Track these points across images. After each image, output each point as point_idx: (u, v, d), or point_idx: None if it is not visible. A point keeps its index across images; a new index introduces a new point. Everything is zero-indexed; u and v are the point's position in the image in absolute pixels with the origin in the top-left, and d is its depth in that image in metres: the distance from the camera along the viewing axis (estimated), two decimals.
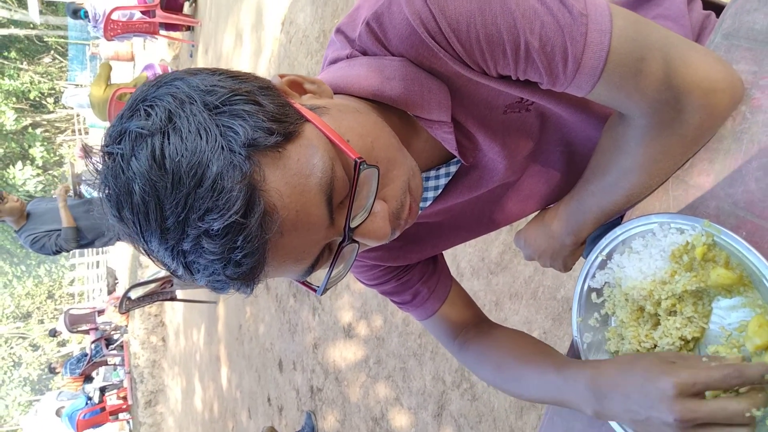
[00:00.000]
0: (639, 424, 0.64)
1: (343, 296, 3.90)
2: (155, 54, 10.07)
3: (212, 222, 0.50)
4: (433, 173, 0.80)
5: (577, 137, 0.83)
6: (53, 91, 25.06)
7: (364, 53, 0.68)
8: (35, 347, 29.02)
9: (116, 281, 17.32)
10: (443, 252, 1.00)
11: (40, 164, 23.79)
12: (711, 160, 0.70)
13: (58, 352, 26.63)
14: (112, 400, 11.61)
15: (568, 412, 0.89)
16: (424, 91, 0.67)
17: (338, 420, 3.86)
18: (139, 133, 0.52)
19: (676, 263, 0.70)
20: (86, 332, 12.67)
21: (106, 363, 12.34)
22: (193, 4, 8.87)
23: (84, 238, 4.66)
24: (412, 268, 0.95)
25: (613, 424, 0.75)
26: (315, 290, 0.63)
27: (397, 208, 0.63)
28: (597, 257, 0.79)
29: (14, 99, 23.44)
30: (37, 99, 24.73)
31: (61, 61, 25.45)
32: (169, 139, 0.51)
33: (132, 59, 12.91)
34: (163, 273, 6.58)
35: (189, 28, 8.91)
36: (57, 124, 25.78)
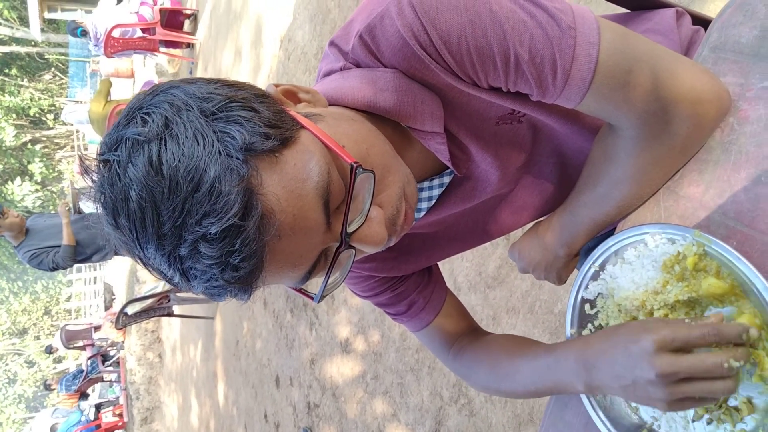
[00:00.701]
0: (628, 390, 0.66)
1: (341, 311, 3.88)
2: (153, 68, 10.14)
3: (210, 226, 0.50)
4: (426, 184, 0.80)
5: (570, 149, 0.84)
6: (53, 108, 25.15)
7: (358, 65, 0.69)
8: (31, 364, 28.79)
9: (113, 297, 17.25)
10: (439, 263, 1.01)
11: (39, 180, 23.80)
12: (701, 171, 0.71)
13: (54, 368, 26.41)
14: (107, 417, 11.49)
15: (562, 425, 0.89)
16: (417, 103, 0.68)
17: None
18: (135, 140, 0.52)
19: (668, 273, 0.70)
20: (82, 348, 12.58)
21: (102, 379, 12.24)
22: (193, 22, 8.94)
23: (82, 254, 4.66)
24: (407, 278, 0.95)
25: (601, 427, 0.75)
26: (312, 297, 0.63)
27: (393, 213, 0.63)
28: (590, 268, 0.80)
29: (14, 115, 23.52)
30: (37, 115, 24.81)
31: (62, 78, 25.59)
32: (165, 145, 0.51)
33: (132, 76, 12.98)
34: (160, 288, 6.56)
35: (189, 46, 8.97)
36: (56, 141, 25.84)
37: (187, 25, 8.81)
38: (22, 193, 22.22)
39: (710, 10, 0.92)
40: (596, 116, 0.69)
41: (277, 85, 0.65)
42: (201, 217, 0.50)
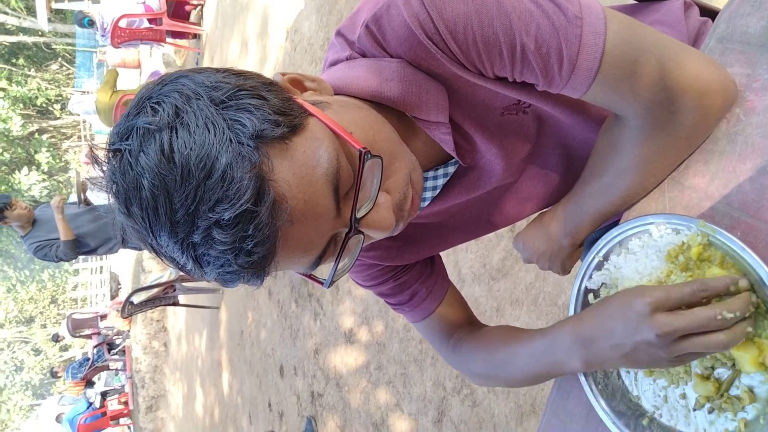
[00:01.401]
0: (630, 359, 0.66)
1: (345, 302, 3.90)
2: (160, 58, 10.13)
3: (223, 212, 0.51)
4: (431, 174, 0.81)
5: (575, 140, 0.84)
6: (60, 98, 25.21)
7: (363, 55, 0.70)
8: (37, 351, 29.02)
9: (119, 286, 17.34)
10: (442, 254, 1.01)
11: (46, 170, 23.89)
12: (706, 162, 0.71)
13: (60, 356, 26.62)
14: (113, 404, 11.58)
15: (565, 414, 0.89)
16: (422, 93, 0.68)
17: (339, 425, 3.85)
18: (147, 129, 0.52)
19: (672, 263, 0.70)
20: (88, 337, 12.67)
21: (107, 368, 12.33)
22: (200, 13, 8.93)
23: (86, 246, 4.66)
24: (410, 268, 0.95)
25: (609, 423, 0.76)
26: (322, 283, 0.64)
27: (400, 199, 0.64)
28: (594, 258, 0.80)
29: (21, 105, 23.58)
30: (44, 105, 24.88)
31: (69, 68, 25.62)
32: (177, 134, 0.51)
33: (138, 66, 13.00)
34: (166, 278, 6.59)
35: (195, 36, 8.97)
36: (63, 131, 25.91)
37: (193, 15, 8.80)
38: (29, 182, 22.31)
39: (718, 1, 0.91)
40: (602, 106, 0.70)
41: (283, 74, 0.66)
42: (214, 203, 0.50)
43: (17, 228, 4.45)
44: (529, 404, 2.24)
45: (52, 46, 25.03)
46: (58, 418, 12.04)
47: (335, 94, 0.70)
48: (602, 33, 0.61)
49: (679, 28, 0.88)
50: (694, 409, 0.70)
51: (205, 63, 8.44)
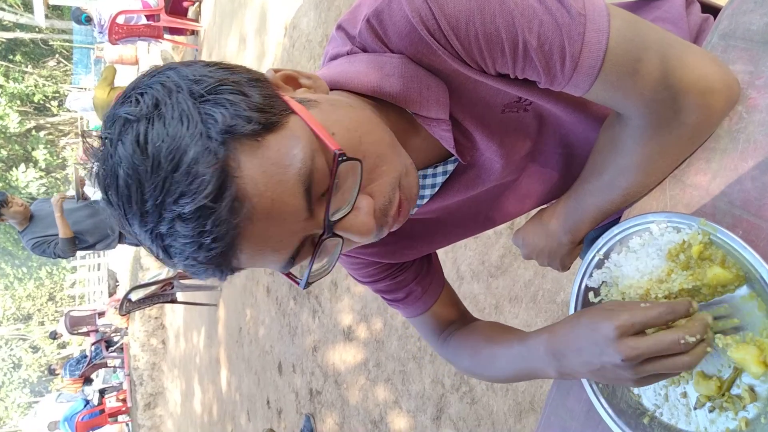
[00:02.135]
0: (598, 374, 0.68)
1: (343, 299, 3.90)
2: (159, 55, 10.11)
3: (185, 205, 0.51)
4: (430, 171, 0.80)
5: (576, 138, 0.83)
6: (57, 95, 25.14)
7: (364, 50, 0.69)
8: (35, 349, 29.00)
9: (117, 283, 17.34)
10: (440, 251, 1.01)
11: (43, 167, 23.84)
12: (708, 160, 0.70)
13: (58, 354, 26.62)
14: (111, 402, 11.59)
15: (564, 412, 0.89)
16: (423, 89, 0.68)
17: (337, 423, 3.86)
18: (126, 118, 0.54)
19: (673, 262, 0.70)
20: (86, 334, 12.68)
21: (105, 365, 12.33)
22: (198, 9, 8.91)
23: (85, 242, 4.66)
24: (407, 267, 0.95)
25: (609, 422, 0.76)
26: (298, 283, 0.63)
27: (384, 204, 0.62)
28: (594, 256, 0.80)
29: (19, 102, 23.51)
30: (42, 102, 24.81)
31: (66, 65, 25.55)
32: (153, 125, 0.52)
33: (136, 63, 12.96)
34: (164, 275, 6.59)
35: (193, 33, 8.95)
36: (61, 127, 25.85)
37: (191, 11, 8.77)
38: (27, 179, 22.27)
39: None
40: (604, 104, 0.69)
41: (277, 70, 0.65)
42: (178, 196, 0.51)
43: (14, 224, 4.44)
44: (528, 401, 2.24)
45: (50, 43, 24.96)
46: (50, 426, 12.03)
47: (335, 90, 0.70)
48: (605, 30, 0.61)
49: (681, 24, 0.88)
50: (695, 408, 0.70)
51: (203, 59, 8.41)
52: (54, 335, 14.04)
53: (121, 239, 4.93)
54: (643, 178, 0.74)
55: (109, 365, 12.41)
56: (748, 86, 0.68)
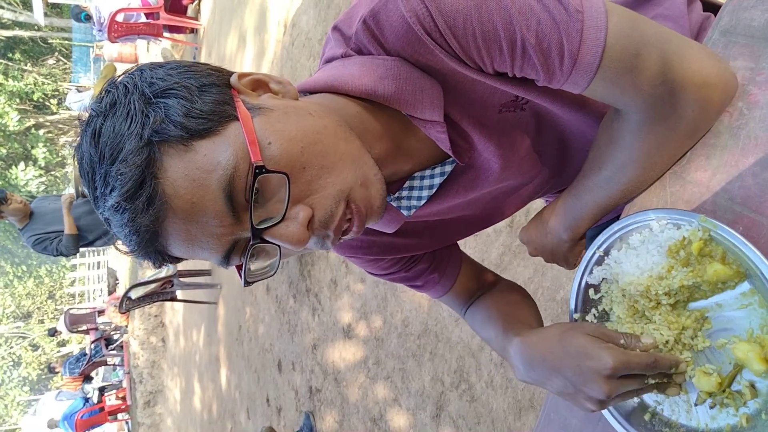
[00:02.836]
0: (566, 395, 0.71)
1: (343, 297, 3.90)
2: (160, 52, 10.09)
3: (112, 198, 0.57)
4: (428, 172, 0.80)
5: (573, 135, 0.83)
6: (57, 93, 25.11)
7: (360, 51, 0.69)
8: (35, 347, 28.99)
9: (117, 281, 17.33)
10: None
11: (43, 165, 23.81)
12: (708, 156, 0.70)
13: (58, 352, 26.61)
14: (111, 400, 11.61)
15: (564, 408, 0.89)
16: (417, 91, 0.68)
17: (337, 421, 3.86)
18: (91, 114, 0.61)
19: (673, 259, 0.70)
20: (86, 332, 12.67)
21: (105, 363, 12.34)
22: (197, 7, 8.89)
23: (84, 239, 4.66)
24: (419, 258, 0.97)
25: (610, 418, 0.76)
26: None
27: (325, 216, 0.63)
28: (594, 253, 0.79)
29: (18, 100, 23.47)
30: (41, 100, 24.77)
31: (65, 63, 25.52)
32: (105, 121, 0.59)
33: (136, 61, 12.94)
34: (164, 273, 6.59)
35: (192, 31, 8.93)
36: (60, 126, 25.82)
37: (190, 9, 8.76)
38: (26, 177, 22.25)
39: None
40: (602, 101, 0.69)
41: (244, 75, 0.67)
42: (111, 189, 0.57)
43: (14, 221, 4.44)
44: (527, 399, 2.24)
45: (49, 41, 24.92)
46: (50, 423, 12.02)
47: (329, 93, 0.71)
48: (603, 27, 0.61)
49: (682, 22, 0.88)
50: (696, 404, 0.70)
51: (203, 58, 8.41)
52: (53, 332, 14.04)
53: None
54: (641, 173, 0.74)
55: (108, 363, 12.41)
56: (749, 82, 0.68)
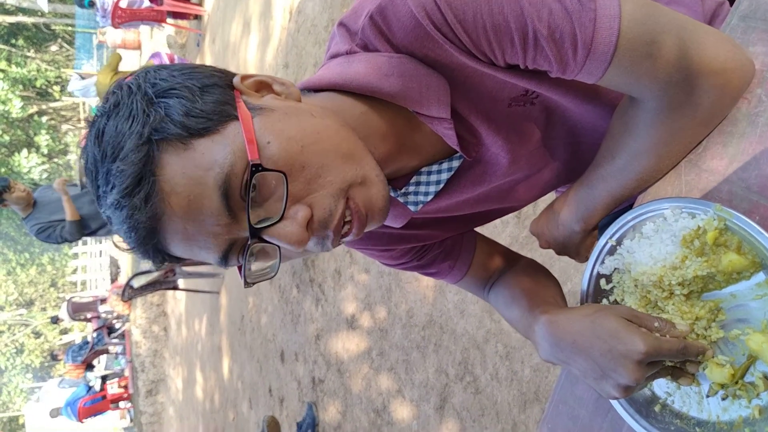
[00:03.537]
0: (591, 379, 0.69)
1: (347, 287, 3.90)
2: (165, 38, 10.06)
3: (112, 195, 0.58)
4: (435, 167, 0.79)
5: (583, 128, 0.82)
6: (59, 80, 25.09)
7: (366, 47, 0.69)
8: (37, 335, 29.14)
9: (119, 270, 17.38)
10: None
11: (46, 152, 23.83)
12: (724, 144, 0.69)
13: (60, 339, 26.75)
14: (113, 388, 11.67)
15: (573, 399, 0.89)
16: (423, 88, 0.67)
17: (339, 411, 3.87)
18: (97, 114, 0.62)
19: (687, 248, 0.69)
20: (88, 320, 12.72)
21: (107, 351, 12.40)
22: None
23: (87, 228, 4.67)
24: (430, 247, 0.96)
25: (620, 409, 0.75)
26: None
27: (324, 216, 0.62)
28: (607, 243, 0.79)
29: (21, 87, 23.46)
30: (44, 87, 24.76)
31: (68, 50, 25.47)
32: (109, 121, 0.59)
33: (139, 48, 12.91)
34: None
35: (196, 17, 8.90)
36: (63, 113, 25.82)
37: None
38: (29, 164, 22.27)
39: None
40: (617, 90, 0.68)
41: (247, 77, 0.67)
42: (111, 186, 0.58)
43: (18, 210, 4.45)
44: (532, 391, 2.24)
45: (52, 27, 24.87)
46: (52, 413, 12.09)
47: (332, 90, 0.70)
48: (617, 15, 0.60)
49: (695, 8, 0.87)
50: (708, 396, 0.70)
51: (207, 44, 8.38)
52: (55, 320, 14.10)
53: None
54: (656, 161, 0.73)
55: (110, 352, 12.47)
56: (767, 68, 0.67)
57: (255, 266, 0.66)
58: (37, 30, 24.70)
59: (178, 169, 0.58)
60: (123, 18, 7.77)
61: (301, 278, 4.68)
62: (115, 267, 18.01)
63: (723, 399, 0.68)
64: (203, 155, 0.58)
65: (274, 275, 0.67)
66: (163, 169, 0.57)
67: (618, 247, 0.78)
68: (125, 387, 11.81)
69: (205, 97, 0.61)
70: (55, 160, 25.16)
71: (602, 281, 0.80)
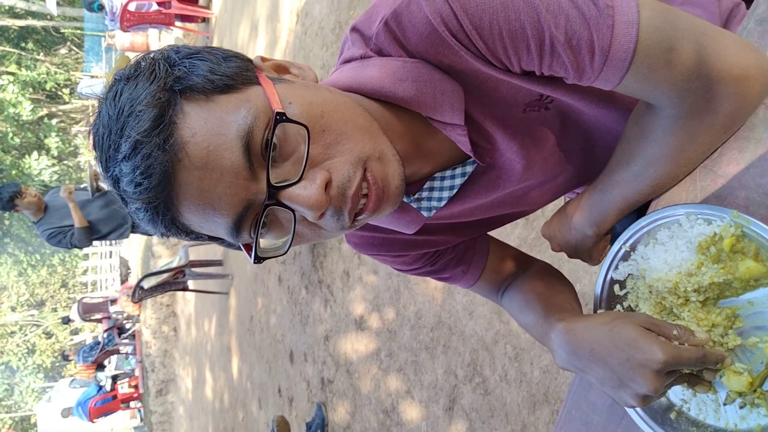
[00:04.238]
0: (605, 384, 0.68)
1: (356, 288, 3.90)
2: (173, 41, 10.11)
3: (126, 143, 0.56)
4: (448, 173, 0.79)
5: (598, 131, 0.82)
6: (69, 82, 25.25)
7: (380, 53, 0.68)
8: (49, 335, 29.34)
9: (129, 271, 17.47)
10: None
11: (56, 154, 23.98)
12: (741, 149, 0.68)
13: (71, 340, 26.91)
14: (123, 388, 11.74)
15: (586, 405, 0.88)
16: (437, 94, 0.67)
17: (349, 412, 3.87)
18: (116, 77, 0.61)
19: (703, 255, 0.68)
20: (99, 321, 12.81)
21: (118, 351, 12.47)
22: None
23: (98, 232, 4.70)
24: (443, 252, 0.95)
25: (634, 416, 0.74)
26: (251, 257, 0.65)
27: (342, 182, 0.61)
28: (620, 249, 0.78)
29: (31, 89, 23.63)
30: (53, 90, 24.92)
31: (77, 53, 25.62)
32: (128, 82, 0.59)
33: (147, 50, 12.96)
34: (176, 263, 6.63)
35: (204, 20, 8.93)
36: (72, 115, 25.97)
37: None
38: (39, 167, 22.43)
39: None
40: (634, 96, 0.67)
41: (267, 59, 0.68)
42: (126, 138, 0.56)
43: (29, 214, 4.48)
44: (542, 393, 2.23)
45: (61, 30, 25.02)
46: (64, 413, 12.17)
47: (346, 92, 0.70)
48: (635, 22, 0.59)
49: (711, 9, 0.86)
50: (725, 404, 0.69)
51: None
52: (66, 320, 14.20)
53: (134, 229, 4.96)
54: (673, 168, 0.72)
55: (121, 352, 12.54)
56: None
57: (267, 242, 0.65)
58: (46, 33, 24.87)
59: (199, 118, 0.57)
60: (131, 21, 7.81)
61: (309, 279, 4.68)
62: (125, 268, 18.11)
63: (741, 407, 0.67)
64: (224, 109, 0.58)
65: (285, 252, 0.65)
66: (184, 116, 0.57)
67: (632, 252, 0.77)
68: (135, 387, 11.88)
69: (229, 63, 0.61)
70: (66, 162, 25.33)
71: (616, 287, 0.79)
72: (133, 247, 16.98)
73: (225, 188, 0.58)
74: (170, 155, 0.55)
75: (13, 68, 22.76)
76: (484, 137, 0.74)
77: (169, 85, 0.57)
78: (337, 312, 4.15)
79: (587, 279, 2.05)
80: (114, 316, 12.26)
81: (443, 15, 0.60)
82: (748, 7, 0.79)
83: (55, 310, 29.26)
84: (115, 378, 12.62)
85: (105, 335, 12.13)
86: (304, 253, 4.77)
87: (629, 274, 0.78)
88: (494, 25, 0.59)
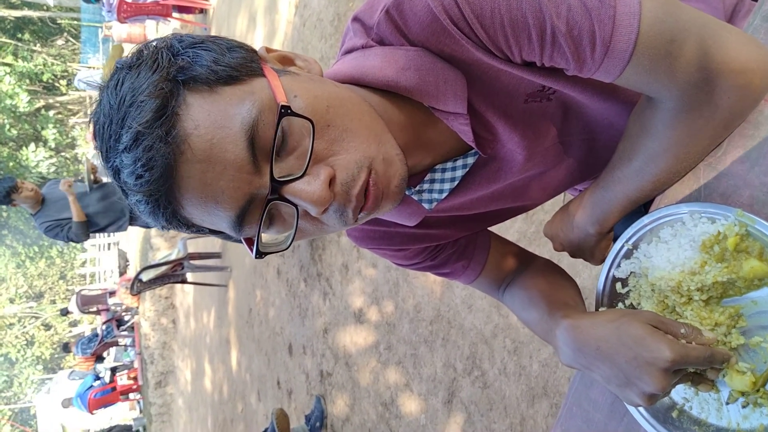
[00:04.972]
0: (611, 383, 0.68)
1: (354, 281, 3.90)
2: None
3: (127, 133, 0.55)
4: (449, 164, 0.78)
5: (600, 126, 0.81)
6: (66, 74, 25.14)
7: (381, 42, 0.68)
8: (47, 327, 29.39)
9: (127, 263, 17.48)
10: None
11: (53, 146, 23.92)
12: (746, 147, 0.68)
13: (70, 332, 26.95)
14: (122, 380, 11.77)
15: (587, 402, 0.88)
16: (440, 82, 0.66)
17: (348, 404, 3.89)
18: (118, 65, 0.60)
19: (707, 254, 0.68)
20: (97, 313, 12.82)
21: (117, 343, 12.50)
22: None
23: (96, 225, 4.69)
24: (443, 247, 0.95)
25: (636, 414, 0.74)
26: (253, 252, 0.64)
27: (346, 179, 0.60)
28: (623, 246, 0.77)
29: (28, 81, 23.53)
30: (50, 81, 24.82)
31: (74, 44, 25.50)
32: (130, 71, 0.57)
33: (144, 42, 12.90)
34: (174, 256, 6.63)
35: (202, 11, 8.88)
36: (69, 107, 25.88)
37: None
38: (37, 158, 22.37)
39: None
40: (635, 89, 0.67)
41: (272, 50, 0.67)
42: (128, 128, 0.55)
43: (27, 207, 4.46)
44: (540, 387, 2.24)
45: (58, 21, 24.88)
46: (64, 403, 12.20)
47: (349, 84, 0.69)
48: (637, 13, 0.59)
49: (715, 4, 0.85)
50: (727, 403, 0.69)
51: None
52: (65, 312, 14.21)
53: (132, 221, 4.95)
54: (674, 163, 0.72)
55: (120, 344, 12.57)
56: None
57: (268, 237, 0.64)
58: (43, 24, 24.73)
59: (202, 110, 0.56)
60: (128, 12, 7.77)
61: (308, 272, 4.68)
62: (123, 260, 18.11)
63: (743, 407, 0.67)
64: (229, 101, 0.57)
65: (287, 248, 0.65)
66: (187, 108, 0.56)
67: (634, 250, 0.76)
68: (134, 378, 11.91)
69: (233, 54, 0.60)
70: (63, 153, 25.26)
71: (618, 284, 0.79)
72: (131, 239, 16.96)
73: (228, 182, 0.57)
74: (172, 147, 0.54)
75: (9, 59, 22.64)
76: (485, 128, 0.74)
77: (172, 75, 0.56)
78: (336, 305, 4.16)
79: (587, 273, 2.05)
80: (112, 308, 12.27)
81: (445, 4, 0.60)
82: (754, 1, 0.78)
83: (53, 302, 29.29)
84: (114, 370, 12.64)
85: (104, 327, 12.15)
86: (302, 246, 4.77)
87: (631, 272, 0.77)
88: (496, 14, 0.59)
